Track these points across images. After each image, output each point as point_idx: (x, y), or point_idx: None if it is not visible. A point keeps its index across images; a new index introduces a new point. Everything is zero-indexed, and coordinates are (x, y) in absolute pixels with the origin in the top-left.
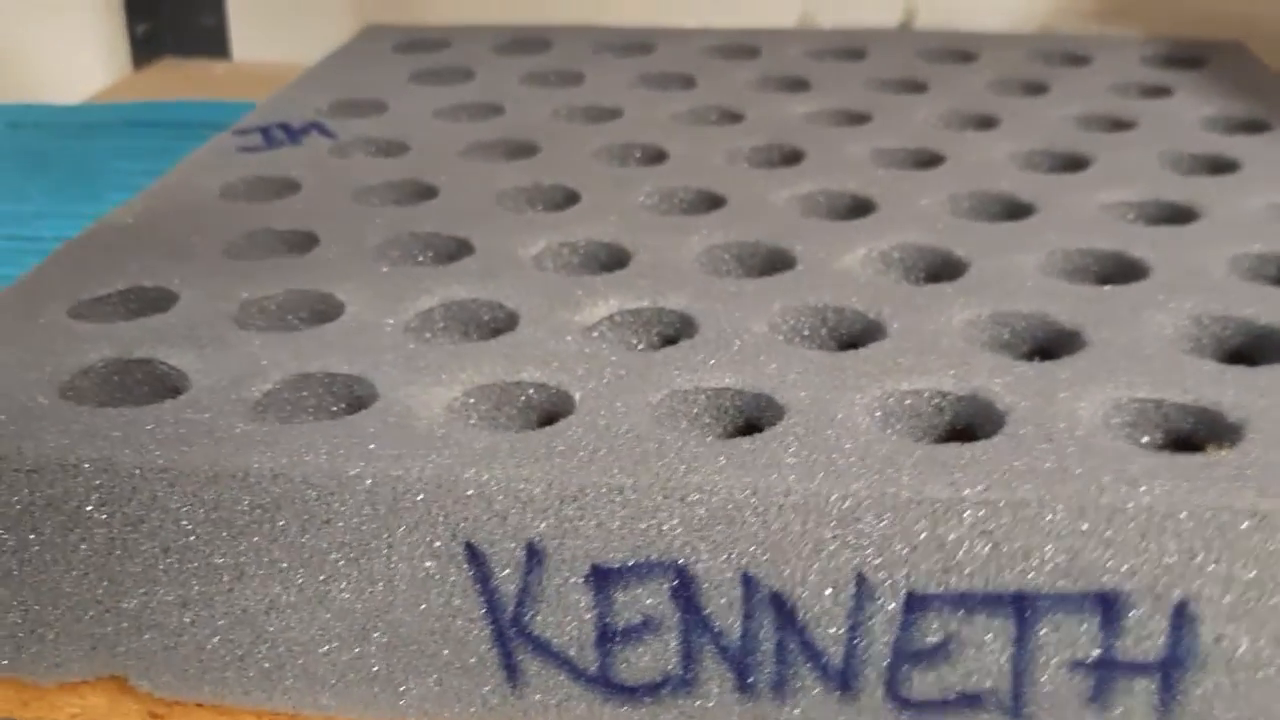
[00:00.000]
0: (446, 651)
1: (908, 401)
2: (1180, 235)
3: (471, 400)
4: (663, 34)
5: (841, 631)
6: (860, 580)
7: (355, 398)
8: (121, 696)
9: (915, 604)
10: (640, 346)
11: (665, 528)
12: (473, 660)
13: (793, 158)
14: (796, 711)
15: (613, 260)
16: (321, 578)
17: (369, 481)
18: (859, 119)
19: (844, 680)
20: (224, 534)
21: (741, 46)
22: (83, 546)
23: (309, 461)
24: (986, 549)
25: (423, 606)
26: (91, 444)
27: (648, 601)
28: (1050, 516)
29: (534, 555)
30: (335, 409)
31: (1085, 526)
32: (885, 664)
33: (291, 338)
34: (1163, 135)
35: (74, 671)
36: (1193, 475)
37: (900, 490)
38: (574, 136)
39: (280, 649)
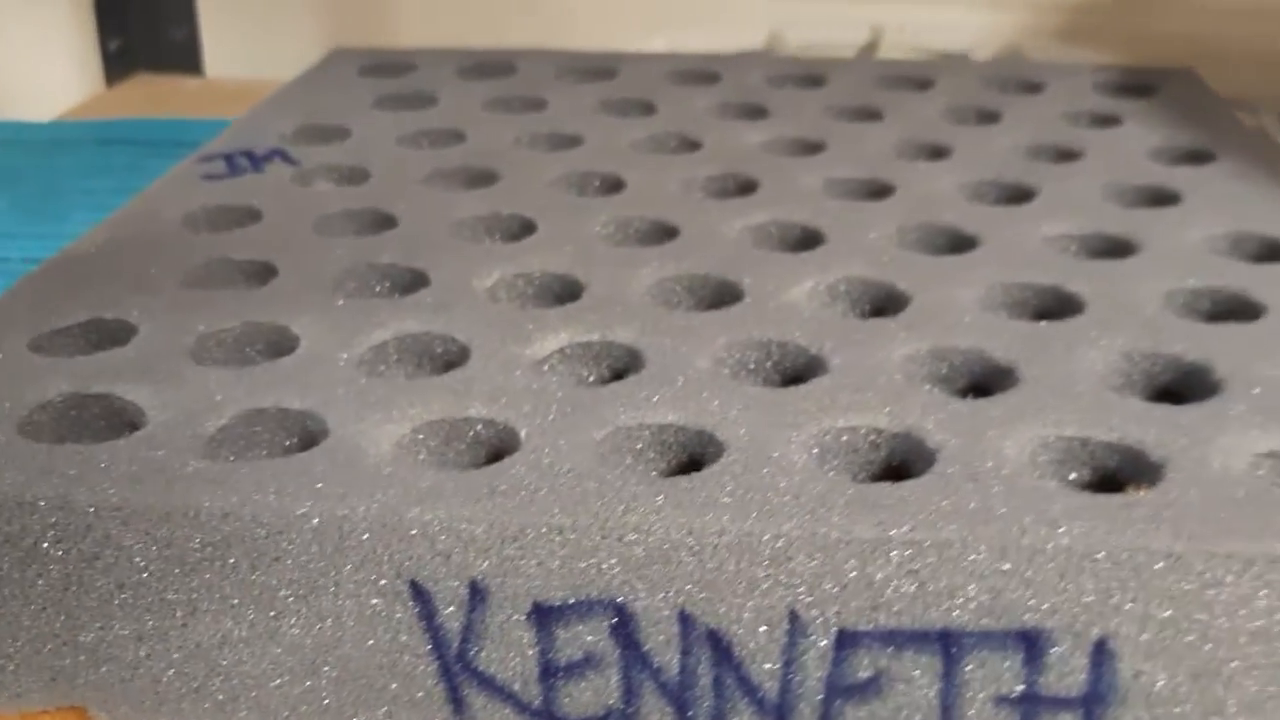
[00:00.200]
0: (395, 685)
1: (844, 439)
2: (1117, 269)
3: (420, 436)
4: (626, 59)
5: (776, 667)
6: (793, 618)
7: (307, 433)
8: None
9: (846, 641)
10: (591, 379)
11: (604, 567)
12: (420, 694)
13: (747, 187)
14: None
15: (566, 292)
16: (272, 614)
17: (315, 520)
18: (814, 148)
19: (780, 715)
20: (176, 571)
21: (703, 72)
22: (40, 582)
23: (258, 500)
24: (913, 588)
25: (370, 642)
26: (47, 481)
27: (588, 638)
28: (973, 556)
29: (477, 593)
30: (288, 444)
31: (1007, 566)
32: (819, 699)
33: (246, 372)
34: (1109, 166)
35: (35, 701)
36: (1112, 516)
37: (830, 530)
38: (534, 164)
39: (234, 682)
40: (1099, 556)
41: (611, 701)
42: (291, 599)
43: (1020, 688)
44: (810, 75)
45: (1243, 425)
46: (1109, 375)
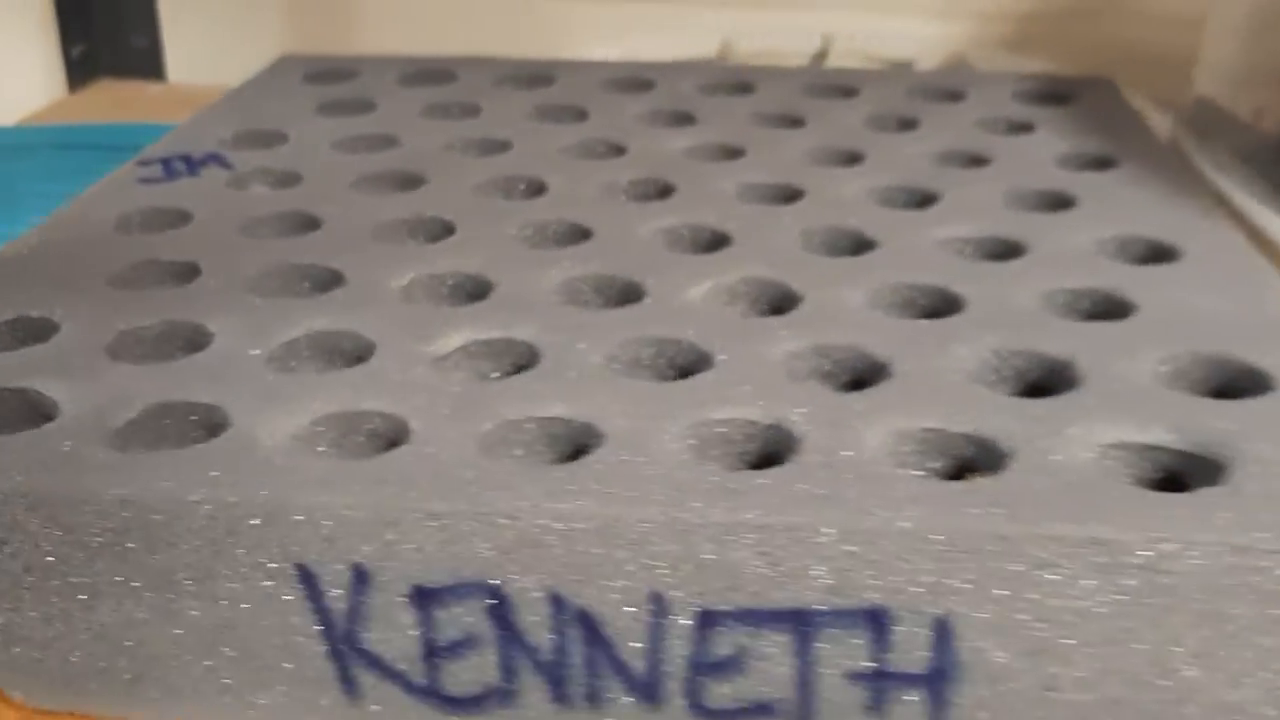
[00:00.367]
0: (289, 665)
1: (720, 430)
2: (1003, 270)
3: (319, 429)
4: (563, 66)
5: (643, 646)
6: (656, 599)
7: (214, 425)
8: (1, 706)
9: (706, 620)
10: (494, 375)
11: (478, 551)
12: (313, 674)
13: (665, 191)
14: None
15: (477, 291)
16: (170, 596)
17: (208, 507)
18: (734, 153)
19: (649, 692)
20: (79, 555)
21: (638, 80)
22: None
23: (155, 488)
24: (766, 569)
25: (264, 623)
26: None
27: (466, 619)
28: (821, 539)
29: (360, 576)
30: (195, 436)
31: (852, 548)
32: (684, 676)
33: (160, 368)
34: (1013, 171)
35: None
36: (953, 501)
37: (689, 515)
38: (462, 169)
39: (138, 662)
40: (938, 539)
41: (491, 680)
42: (189, 582)
43: (869, 664)
44: (741, 83)
45: (1092, 418)
46: (978, 371)
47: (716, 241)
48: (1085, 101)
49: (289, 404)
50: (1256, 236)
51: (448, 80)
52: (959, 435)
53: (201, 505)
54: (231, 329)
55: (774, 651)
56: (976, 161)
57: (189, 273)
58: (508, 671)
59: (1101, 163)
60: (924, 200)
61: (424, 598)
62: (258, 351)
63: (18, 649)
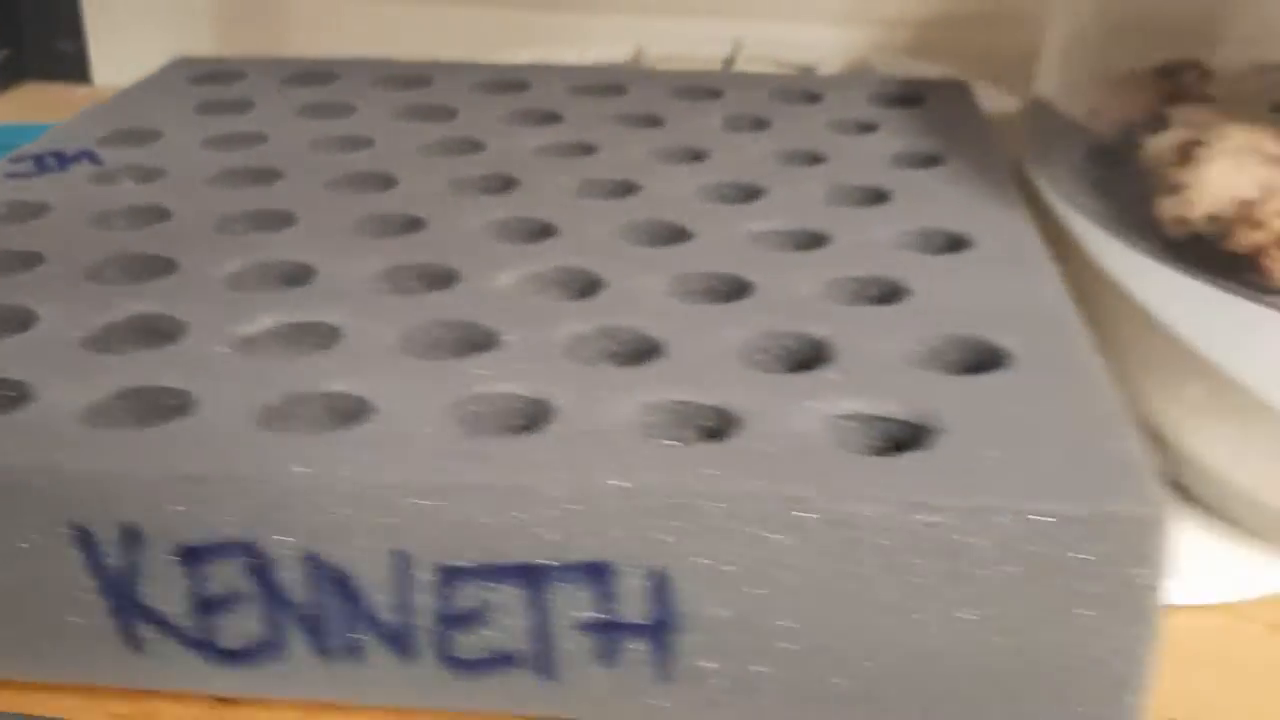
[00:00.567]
0: (77, 620)
1: (494, 405)
2: (801, 260)
3: (119, 401)
4: (442, 68)
5: (393, 601)
6: (401, 556)
7: (20, 399)
8: None
9: (447, 576)
10: (296, 355)
11: (236, 512)
12: (98, 627)
13: (508, 185)
14: (369, 672)
15: (298, 277)
16: None
17: None
18: (584, 150)
19: (401, 644)
20: None
21: (511, 81)
22: None
23: None
24: (501, 525)
25: (52, 583)
26: None
27: (231, 576)
28: (551, 497)
29: (132, 536)
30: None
31: (576, 507)
32: (432, 629)
33: None
34: (844, 169)
35: None
36: (675, 464)
37: (429, 477)
38: (320, 165)
39: None
40: (654, 498)
41: (259, 633)
42: None
43: (598, 616)
44: (612, 84)
45: (831, 391)
46: (745, 350)
47: (542, 232)
48: (934, 104)
49: (92, 379)
50: (1060, 230)
51: (327, 81)
52: (706, 406)
53: None
54: (57, 312)
55: (511, 605)
56: (813, 159)
57: (33, 260)
58: (273, 626)
59: (929, 160)
60: (750, 195)
61: (191, 556)
62: (79, 334)
63: None
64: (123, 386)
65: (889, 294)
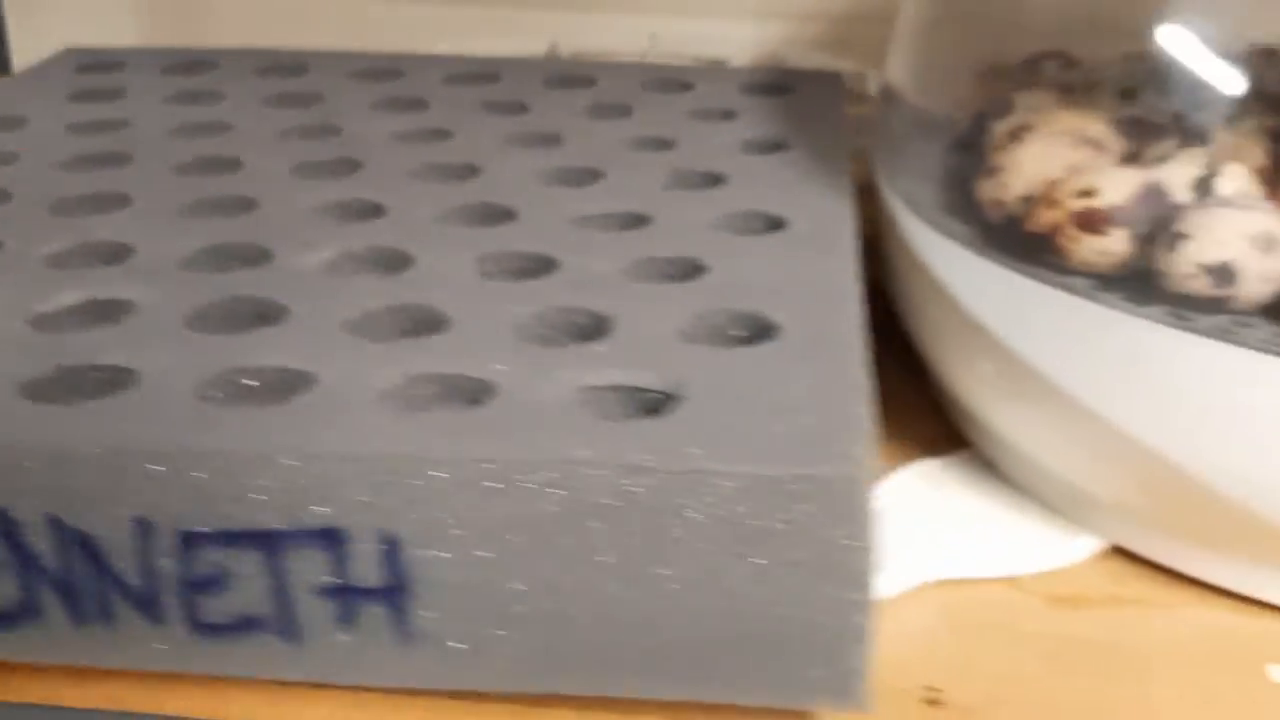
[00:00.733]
0: None
1: (237, 378)
2: (615, 240)
3: None
4: (314, 57)
5: (139, 567)
6: (143, 523)
7: None
8: None
9: (190, 542)
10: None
11: None
12: None
13: (351, 168)
14: (121, 636)
15: (118, 255)
16: None
17: None
18: (440, 135)
19: (150, 609)
20: None
21: (386, 70)
22: None
23: None
24: (235, 492)
25: None
26: None
27: None
28: (280, 464)
29: None
30: None
31: (310, 473)
32: (178, 594)
33: None
34: (690, 155)
35: None
36: (410, 431)
37: (164, 444)
38: (169, 151)
39: None
40: (386, 464)
41: (18, 598)
42: None
43: (334, 580)
44: (485, 74)
45: (594, 362)
46: (530, 325)
47: (371, 211)
48: (801, 93)
49: None
50: (888, 217)
51: (208, 69)
52: (468, 378)
53: None
54: None
55: (250, 571)
56: (662, 145)
57: None
58: (28, 592)
59: (774, 147)
60: (589, 179)
61: None
62: None
63: None
64: None
65: (687, 272)
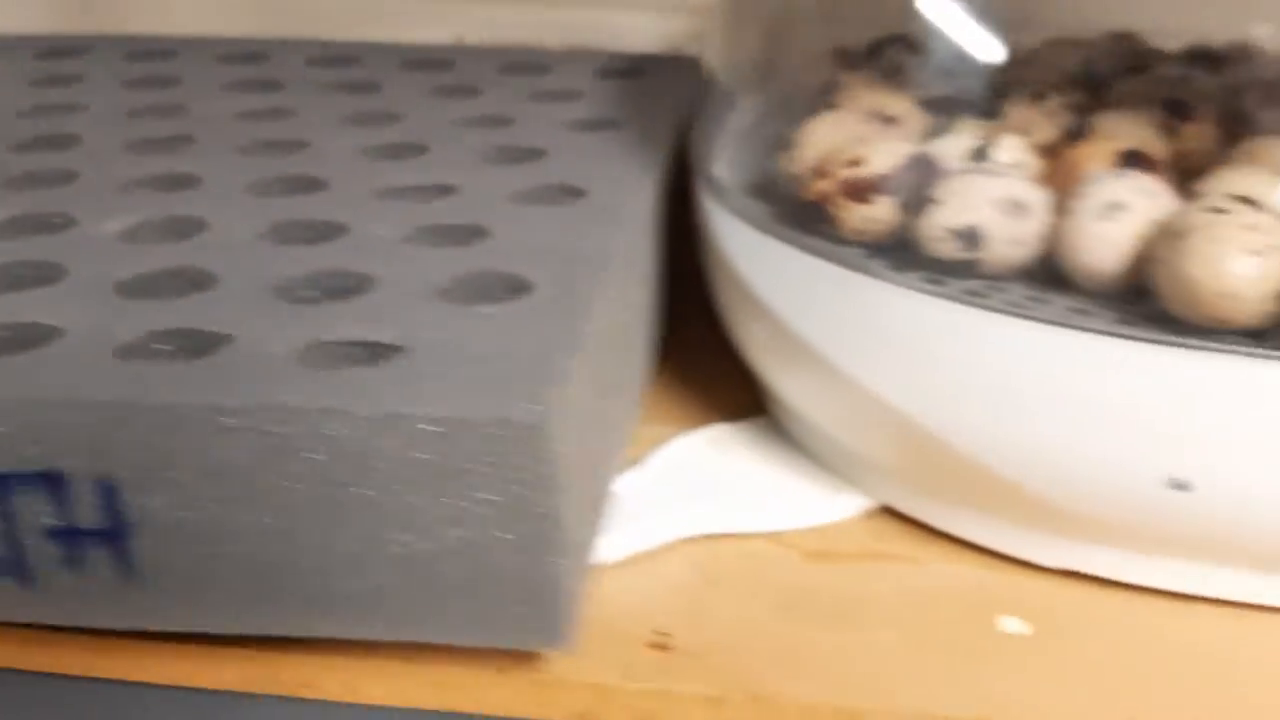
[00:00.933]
0: None
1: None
2: (412, 209)
3: None
4: (183, 43)
5: None
6: None
7: None
8: None
9: None
10: None
11: None
12: None
13: (187, 143)
14: None
15: None
16: None
17: None
18: (280, 114)
19: None
20: None
21: (248, 54)
22: None
23: None
24: None
25: None
26: None
27: None
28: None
29: None
30: None
31: (29, 416)
32: None
33: None
34: (520, 133)
35: None
36: (141, 378)
37: None
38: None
39: None
40: (104, 408)
41: None
42: None
43: (59, 523)
44: (345, 57)
45: (332, 319)
46: (293, 285)
47: (178, 183)
48: (652, 76)
49: None
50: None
51: (80, 54)
52: (207, 332)
53: None
54: None
55: None
56: (498, 123)
57: None
58: None
59: (604, 126)
60: (410, 153)
61: None
62: None
63: None
64: None
65: (467, 238)
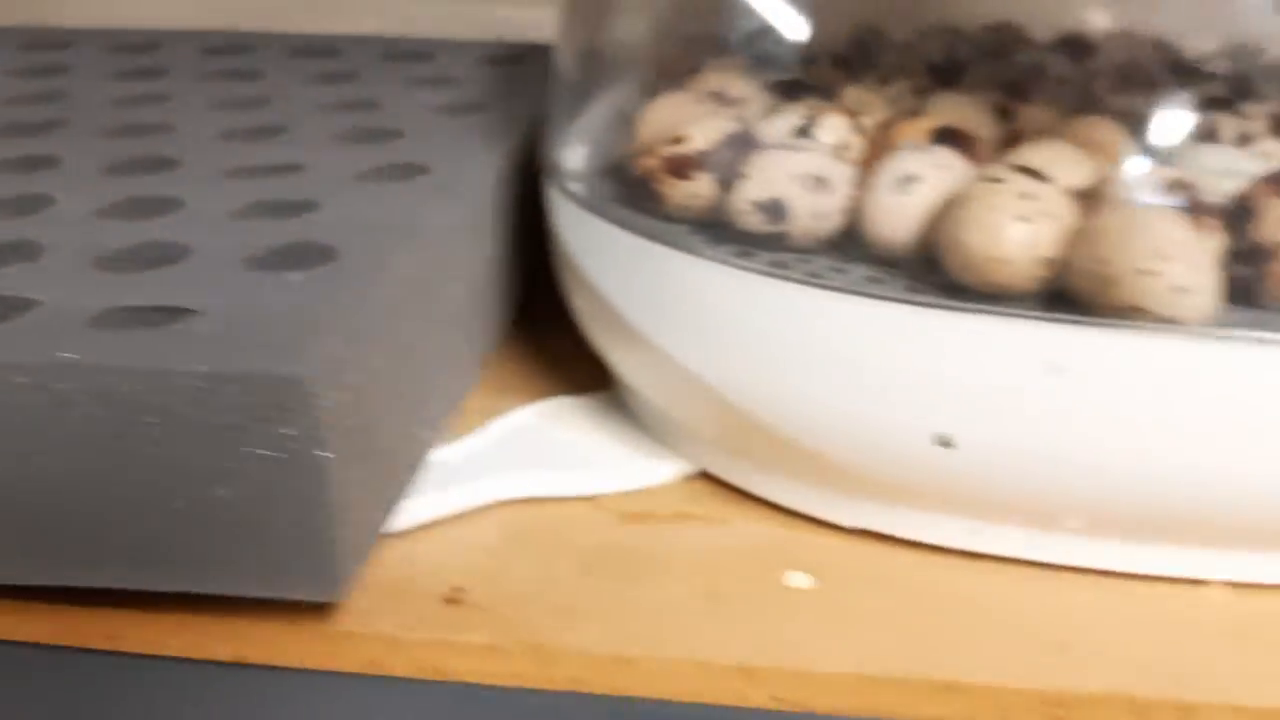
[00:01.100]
0: None
1: None
2: (252, 185)
3: None
4: (81, 34)
5: None
6: None
7: None
8: None
9: None
10: None
11: None
12: None
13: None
14: None
15: None
16: None
17: None
18: (156, 99)
19: None
20: None
21: (137, 44)
22: None
23: None
24: None
25: None
26: None
27: None
28: None
29: None
30: None
31: None
32: None
33: None
34: (382, 116)
35: None
36: None
37: None
38: None
39: None
40: None
41: None
42: None
43: None
44: (234, 46)
45: (137, 286)
46: (114, 256)
47: (35, 164)
48: (530, 64)
49: None
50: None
51: None
52: (20, 298)
53: None
54: None
55: None
56: (367, 107)
57: None
58: None
59: (469, 110)
60: (268, 136)
61: None
62: None
63: None
64: None
65: (299, 211)
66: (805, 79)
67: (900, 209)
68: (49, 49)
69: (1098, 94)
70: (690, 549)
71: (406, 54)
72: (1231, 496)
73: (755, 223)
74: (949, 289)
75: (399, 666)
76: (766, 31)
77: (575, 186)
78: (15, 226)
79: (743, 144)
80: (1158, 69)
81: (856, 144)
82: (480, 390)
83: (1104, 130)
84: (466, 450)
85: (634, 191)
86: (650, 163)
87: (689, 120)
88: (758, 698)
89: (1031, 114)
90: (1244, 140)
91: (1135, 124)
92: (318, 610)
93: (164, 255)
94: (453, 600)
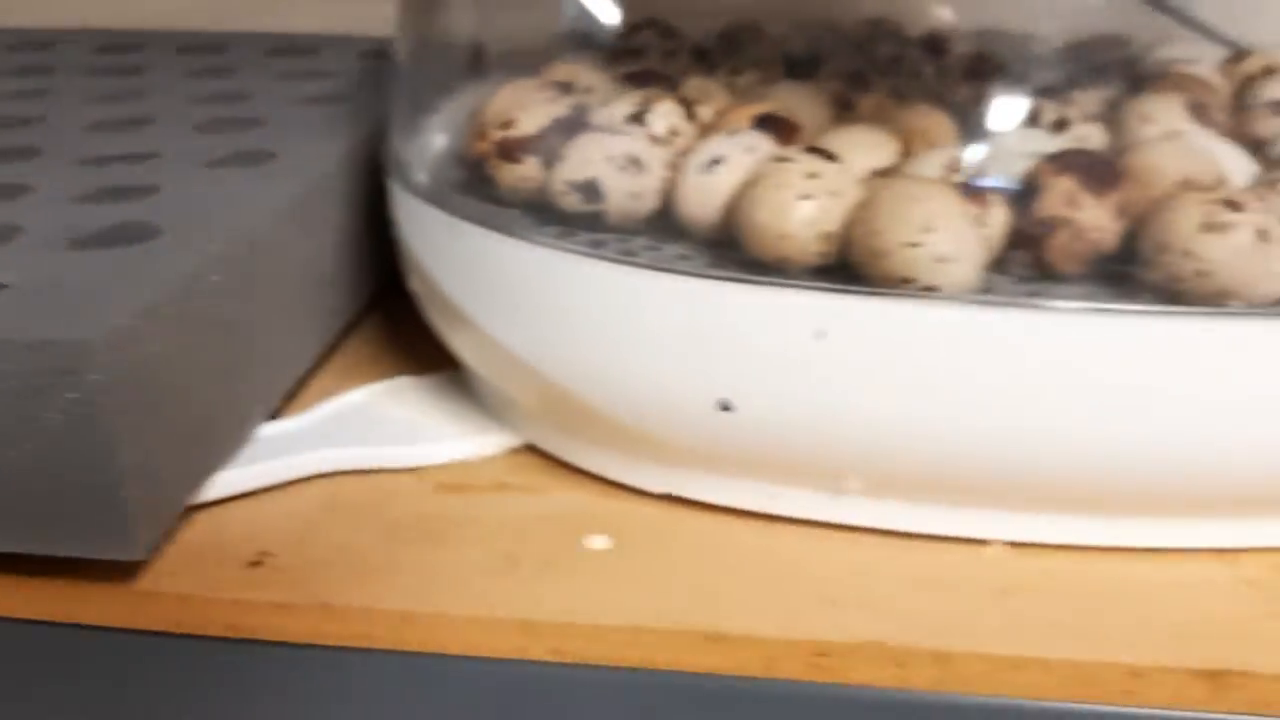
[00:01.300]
0: None
1: None
2: (94, 171)
3: None
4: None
5: None
6: None
7: None
8: None
9: None
10: None
11: None
12: None
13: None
14: None
15: None
16: None
17: None
18: (38, 94)
19: None
20: None
21: (33, 43)
22: None
23: None
24: None
25: None
26: None
27: None
28: None
29: None
30: None
31: None
32: None
33: None
34: (252, 106)
35: None
36: None
37: None
38: None
39: None
40: None
41: None
42: None
43: None
44: (129, 44)
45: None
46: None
47: None
48: None
49: None
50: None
51: None
52: None
53: None
54: None
55: None
56: (236, 99)
57: None
58: None
59: (333, 101)
60: (135, 126)
61: None
62: None
63: None
64: None
65: (140, 195)
66: (658, 70)
67: (705, 189)
68: None
69: (936, 85)
70: (500, 516)
71: (289, 49)
72: (997, 457)
73: (572, 203)
74: (745, 264)
75: (197, 625)
76: (597, 24)
77: (418, 175)
78: None
79: (570, 128)
80: (997, 62)
81: (688, 130)
82: (328, 371)
83: (931, 118)
84: (297, 425)
85: (472, 176)
86: (482, 146)
87: (523, 105)
88: (538, 651)
89: (868, 103)
90: (1060, 126)
91: (961, 112)
92: (122, 571)
93: (2, 235)
94: (256, 563)
